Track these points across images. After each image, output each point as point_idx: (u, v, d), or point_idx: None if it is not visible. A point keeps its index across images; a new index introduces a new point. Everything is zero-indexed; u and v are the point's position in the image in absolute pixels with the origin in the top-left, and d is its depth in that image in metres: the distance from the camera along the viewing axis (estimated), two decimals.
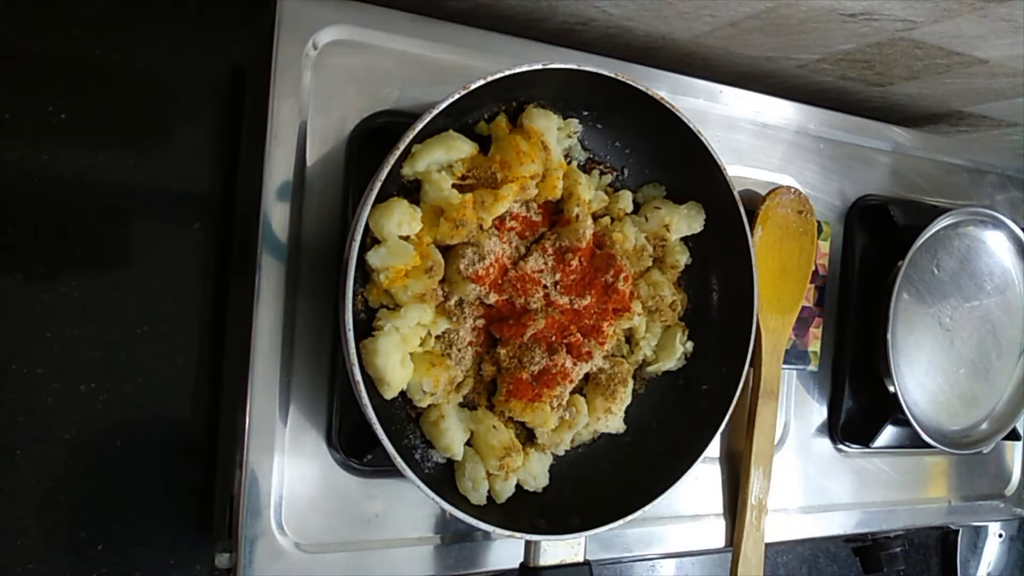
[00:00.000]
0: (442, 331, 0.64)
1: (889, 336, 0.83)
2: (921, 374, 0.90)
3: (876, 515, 0.92)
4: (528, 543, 0.65)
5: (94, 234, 0.76)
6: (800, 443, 0.88)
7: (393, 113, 0.67)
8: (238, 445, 0.62)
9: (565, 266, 0.67)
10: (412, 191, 0.63)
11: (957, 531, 1.23)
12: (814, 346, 0.87)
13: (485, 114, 0.66)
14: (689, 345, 0.73)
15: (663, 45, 0.82)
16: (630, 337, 0.73)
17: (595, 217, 0.70)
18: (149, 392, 0.77)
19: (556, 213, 0.70)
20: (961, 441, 0.92)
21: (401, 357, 0.60)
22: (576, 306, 0.68)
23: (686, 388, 0.73)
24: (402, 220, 0.59)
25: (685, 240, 0.74)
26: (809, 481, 0.88)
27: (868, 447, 0.89)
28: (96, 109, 0.76)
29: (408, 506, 0.67)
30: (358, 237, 0.56)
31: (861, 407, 0.89)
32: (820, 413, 0.90)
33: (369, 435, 0.56)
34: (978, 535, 1.26)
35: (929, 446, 0.87)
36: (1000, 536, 1.25)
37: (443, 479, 0.64)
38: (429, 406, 0.64)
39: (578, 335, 0.68)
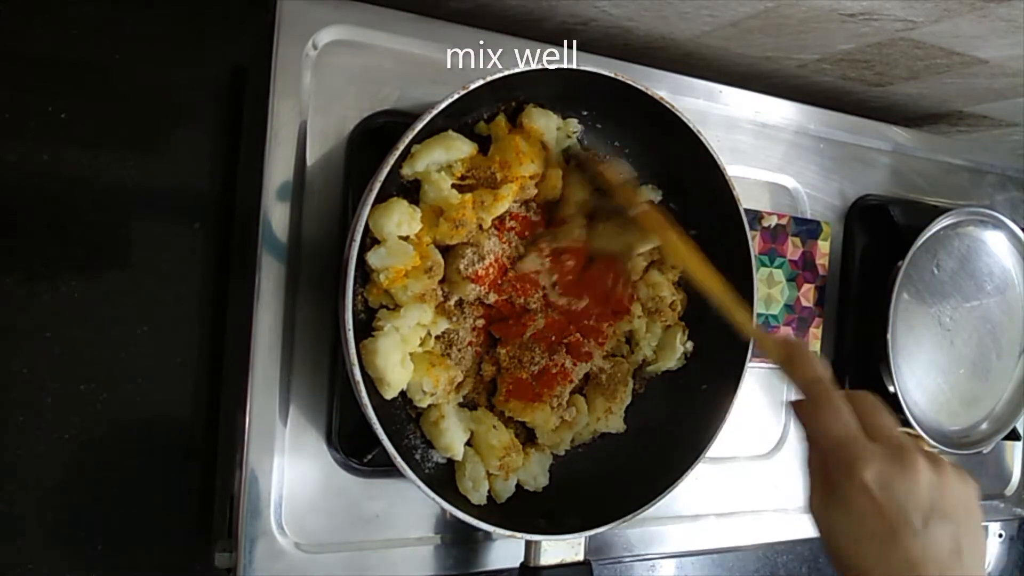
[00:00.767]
0: (442, 331, 0.64)
1: (889, 336, 0.83)
2: (921, 374, 0.90)
3: None
4: (528, 543, 0.65)
5: (94, 234, 0.76)
6: (800, 443, 0.88)
7: (393, 113, 0.67)
8: (238, 445, 0.62)
9: (561, 266, 0.67)
10: (412, 191, 0.63)
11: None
12: (814, 346, 0.87)
13: (485, 114, 0.66)
14: (689, 345, 0.73)
15: (663, 45, 0.82)
16: (630, 337, 0.73)
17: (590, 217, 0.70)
18: (149, 392, 0.77)
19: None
20: (961, 441, 0.92)
21: (401, 357, 0.60)
22: (574, 307, 0.68)
23: (686, 388, 0.73)
24: (402, 220, 0.59)
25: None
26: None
27: None
28: (96, 109, 0.76)
29: (408, 506, 0.67)
30: (358, 237, 0.56)
31: None
32: None
33: (369, 435, 0.56)
34: None
35: (929, 446, 0.87)
36: (1000, 536, 1.25)
37: (443, 479, 0.64)
38: (429, 406, 0.64)
39: (578, 335, 0.68)
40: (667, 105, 0.65)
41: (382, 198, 0.59)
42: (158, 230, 0.78)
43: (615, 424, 0.70)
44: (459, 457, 0.64)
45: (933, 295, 0.90)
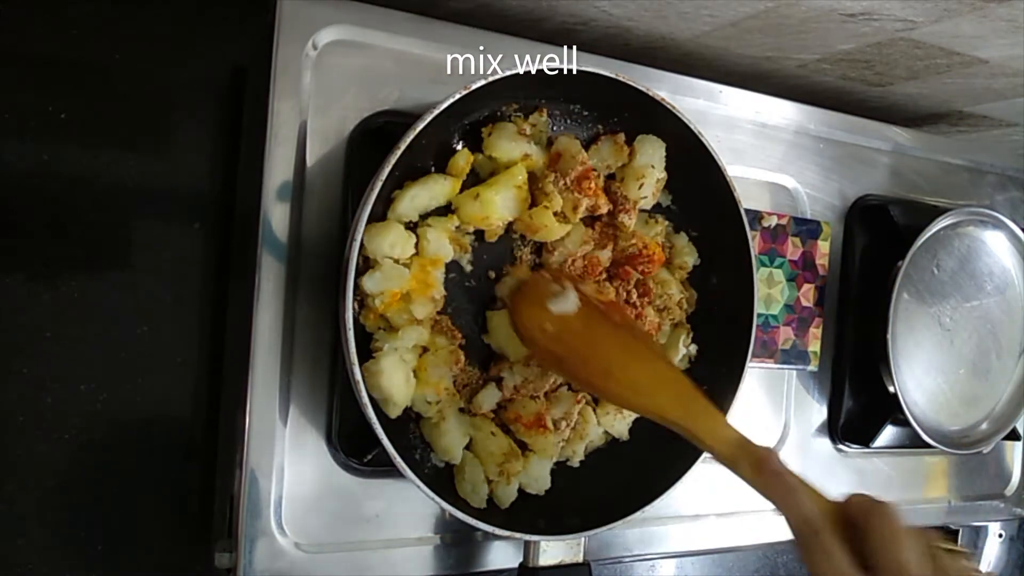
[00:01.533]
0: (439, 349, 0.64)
1: (889, 336, 0.83)
2: (921, 374, 0.90)
3: None
4: (528, 543, 0.65)
5: (94, 234, 0.76)
6: (800, 443, 0.88)
7: (393, 113, 0.67)
8: (238, 445, 0.62)
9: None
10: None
11: (957, 531, 1.23)
12: (814, 346, 0.87)
13: (484, 114, 0.66)
14: (693, 348, 0.73)
15: (663, 45, 0.82)
16: None
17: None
18: (149, 392, 0.77)
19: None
20: (961, 441, 0.92)
21: (404, 376, 0.60)
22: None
23: None
24: (395, 243, 0.59)
25: (690, 240, 0.74)
26: (809, 481, 0.88)
27: (868, 447, 0.89)
28: (96, 109, 0.76)
29: (408, 506, 0.67)
30: (358, 237, 0.56)
31: (861, 407, 0.89)
32: (820, 413, 0.90)
33: (369, 435, 0.56)
34: (978, 535, 1.25)
35: (929, 446, 0.87)
36: (1000, 536, 1.25)
37: (443, 479, 0.64)
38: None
39: None
40: (667, 105, 0.65)
41: (399, 183, 0.59)
42: (158, 230, 0.78)
43: (622, 426, 0.71)
44: (457, 461, 0.64)
45: (933, 295, 0.90)
